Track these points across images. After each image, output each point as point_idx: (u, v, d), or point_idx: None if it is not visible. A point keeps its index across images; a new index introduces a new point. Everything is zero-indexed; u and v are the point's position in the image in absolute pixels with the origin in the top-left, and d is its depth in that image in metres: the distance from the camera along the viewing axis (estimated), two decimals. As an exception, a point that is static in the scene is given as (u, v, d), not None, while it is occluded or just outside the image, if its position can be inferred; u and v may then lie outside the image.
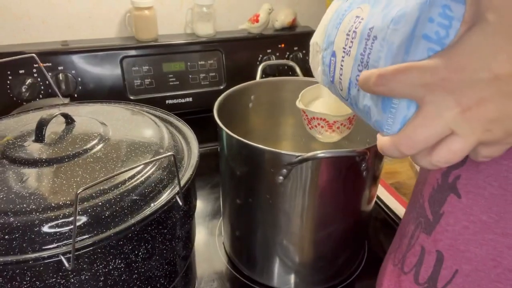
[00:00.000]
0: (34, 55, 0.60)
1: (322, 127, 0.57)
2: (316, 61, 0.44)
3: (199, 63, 0.99)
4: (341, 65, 0.35)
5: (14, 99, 0.85)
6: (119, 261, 0.42)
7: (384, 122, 0.28)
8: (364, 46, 0.30)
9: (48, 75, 0.62)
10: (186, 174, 0.49)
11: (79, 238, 0.39)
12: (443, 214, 0.37)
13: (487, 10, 0.23)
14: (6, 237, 0.37)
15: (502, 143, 0.25)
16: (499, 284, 0.33)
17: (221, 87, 1.01)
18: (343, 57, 0.35)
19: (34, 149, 0.48)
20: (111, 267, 0.42)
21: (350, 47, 0.33)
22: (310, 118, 0.58)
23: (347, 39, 0.34)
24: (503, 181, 0.32)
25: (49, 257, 0.37)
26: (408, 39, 0.25)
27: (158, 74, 0.96)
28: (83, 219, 0.40)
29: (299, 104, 0.59)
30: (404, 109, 0.27)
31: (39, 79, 0.86)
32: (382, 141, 0.28)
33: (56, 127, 0.52)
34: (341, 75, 0.36)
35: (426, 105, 0.25)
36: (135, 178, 0.45)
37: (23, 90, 0.84)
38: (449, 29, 0.24)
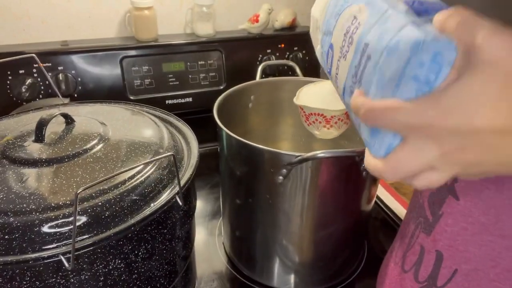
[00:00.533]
0: (34, 55, 0.60)
1: (320, 122, 0.58)
2: (316, 37, 0.43)
3: (199, 63, 0.99)
4: (338, 65, 0.36)
5: (14, 99, 0.85)
6: (119, 261, 0.42)
7: (371, 145, 0.30)
8: (359, 59, 0.31)
9: (48, 75, 0.62)
10: (186, 174, 0.49)
11: (79, 238, 0.39)
12: (442, 215, 0.37)
13: (476, 65, 0.23)
14: (6, 237, 0.37)
15: (480, 176, 0.27)
16: (498, 284, 0.34)
17: (221, 87, 1.01)
18: (339, 57, 0.35)
19: (34, 149, 0.48)
20: (111, 267, 0.42)
21: (346, 51, 0.33)
22: (308, 114, 0.58)
23: (344, 40, 0.34)
24: (500, 184, 0.32)
25: (49, 257, 0.37)
26: (399, 76, 0.26)
27: (158, 74, 0.96)
28: (83, 219, 0.40)
29: (296, 101, 0.59)
30: (390, 138, 0.28)
31: (39, 79, 0.86)
32: (368, 161, 0.30)
33: (56, 127, 0.52)
34: (337, 74, 0.36)
35: (410, 141, 0.26)
36: (135, 178, 0.45)
37: (23, 90, 0.84)
38: (438, 74, 0.25)
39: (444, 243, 0.37)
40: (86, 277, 0.40)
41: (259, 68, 0.80)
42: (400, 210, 0.78)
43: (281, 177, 0.51)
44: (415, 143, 0.26)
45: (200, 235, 0.73)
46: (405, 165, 0.27)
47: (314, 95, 0.62)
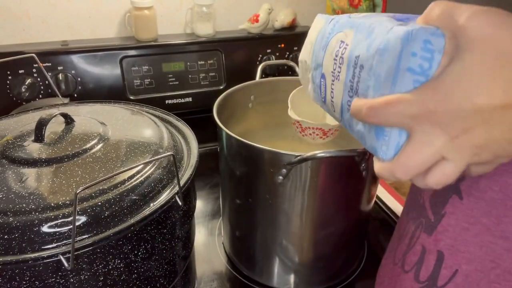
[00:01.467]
0: (34, 55, 0.60)
1: (317, 135, 0.57)
2: (306, 78, 0.45)
3: (199, 63, 0.99)
4: (332, 88, 0.37)
5: (14, 99, 0.85)
6: (119, 261, 0.42)
7: (378, 148, 0.30)
8: (352, 73, 0.32)
9: (48, 75, 0.62)
10: (185, 174, 0.49)
11: (78, 238, 0.39)
12: (445, 215, 0.37)
13: (465, 46, 0.24)
14: (6, 237, 0.37)
15: (492, 162, 0.26)
16: (498, 285, 0.34)
17: (221, 87, 1.01)
18: (333, 81, 0.36)
19: (33, 149, 0.48)
20: (110, 267, 0.42)
21: (339, 72, 0.34)
22: (304, 128, 0.58)
23: (334, 63, 0.35)
24: (504, 185, 0.32)
25: (49, 257, 0.37)
26: (394, 72, 0.27)
27: (158, 74, 0.96)
28: (83, 219, 0.40)
29: (291, 114, 0.58)
30: (396, 136, 0.28)
31: (39, 79, 0.86)
32: (378, 166, 0.30)
33: (55, 127, 0.52)
34: (332, 97, 0.37)
35: (416, 133, 0.26)
36: (135, 178, 0.45)
37: (23, 90, 0.84)
38: (432, 62, 0.25)
39: (445, 242, 0.37)
40: (86, 277, 0.40)
41: (259, 68, 0.80)
42: (400, 210, 0.78)
43: (280, 177, 0.51)
44: (421, 134, 0.26)
45: (200, 235, 0.73)
46: (416, 159, 0.26)
47: (308, 105, 0.61)
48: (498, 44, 0.23)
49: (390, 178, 0.29)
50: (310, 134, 0.58)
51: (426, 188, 0.28)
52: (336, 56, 0.35)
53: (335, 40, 0.36)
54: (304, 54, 0.45)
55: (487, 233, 0.34)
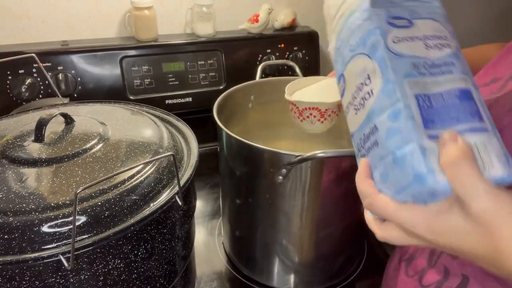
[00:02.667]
0: (34, 55, 0.60)
1: (314, 116, 0.57)
2: (330, 21, 0.40)
3: (199, 63, 0.99)
4: (348, 108, 0.37)
5: (14, 99, 0.85)
6: (119, 261, 0.42)
7: None
8: (368, 133, 0.33)
9: (48, 75, 0.62)
10: (185, 174, 0.49)
11: (78, 238, 0.39)
12: None
13: (465, 213, 0.27)
14: (6, 236, 0.37)
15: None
16: None
17: (221, 87, 1.01)
18: (351, 103, 0.36)
19: (33, 149, 0.48)
20: (110, 267, 0.42)
21: (358, 108, 0.34)
22: (301, 110, 0.58)
23: (356, 92, 0.34)
24: None
25: (49, 257, 0.37)
26: (401, 188, 0.30)
27: (158, 74, 0.96)
28: (83, 219, 0.40)
29: (287, 96, 0.59)
30: None
31: (38, 79, 0.86)
32: (367, 217, 0.35)
33: (55, 127, 0.52)
34: (347, 111, 0.37)
35: (400, 228, 0.32)
36: (135, 178, 0.45)
37: (23, 90, 0.84)
38: (433, 200, 0.29)
39: (472, 268, 0.37)
40: (86, 277, 0.40)
41: (259, 68, 0.79)
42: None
43: (280, 177, 0.51)
44: (404, 232, 0.32)
45: (200, 235, 0.73)
46: (393, 241, 0.33)
47: (304, 91, 0.62)
48: (493, 226, 0.27)
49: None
50: (308, 116, 0.58)
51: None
52: (360, 89, 0.34)
53: (362, 62, 0.33)
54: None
55: None
